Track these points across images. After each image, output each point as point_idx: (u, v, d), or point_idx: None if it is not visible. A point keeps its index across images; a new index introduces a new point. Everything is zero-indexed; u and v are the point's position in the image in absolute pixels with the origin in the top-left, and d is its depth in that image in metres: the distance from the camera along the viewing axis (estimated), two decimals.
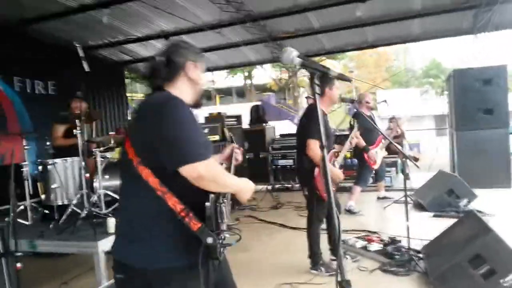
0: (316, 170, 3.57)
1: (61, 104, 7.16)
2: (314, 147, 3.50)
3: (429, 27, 8.80)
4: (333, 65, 26.88)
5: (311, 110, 3.71)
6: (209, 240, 1.51)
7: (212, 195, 1.57)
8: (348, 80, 1.81)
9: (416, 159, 7.98)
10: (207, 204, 1.54)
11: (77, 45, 3.93)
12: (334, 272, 3.62)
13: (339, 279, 1.40)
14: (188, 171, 1.48)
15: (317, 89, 1.51)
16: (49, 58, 7.91)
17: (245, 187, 1.72)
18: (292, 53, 1.53)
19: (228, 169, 2.11)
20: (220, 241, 1.57)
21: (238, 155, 2.18)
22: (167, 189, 1.52)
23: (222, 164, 2.14)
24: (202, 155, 1.51)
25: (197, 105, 1.82)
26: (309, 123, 3.62)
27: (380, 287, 3.38)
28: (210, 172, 1.51)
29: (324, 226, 3.83)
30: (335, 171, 3.60)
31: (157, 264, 1.54)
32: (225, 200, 1.70)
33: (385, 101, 6.39)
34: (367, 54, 31.20)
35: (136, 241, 1.58)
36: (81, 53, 3.91)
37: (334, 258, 3.94)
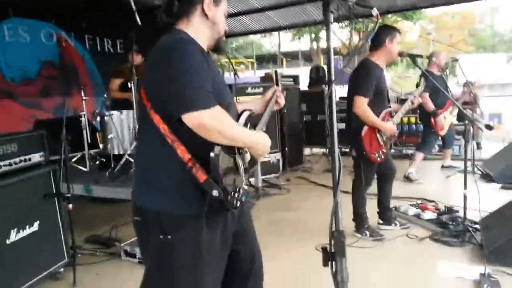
0: (364, 128, 3.36)
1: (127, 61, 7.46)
2: (361, 104, 3.28)
3: None
4: (409, 27, 25.12)
5: (363, 65, 3.44)
6: (214, 192, 1.44)
7: (217, 146, 1.46)
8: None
9: (490, 128, 7.30)
10: (212, 155, 1.45)
11: None
12: (380, 237, 3.52)
13: (332, 228, 1.28)
14: (189, 119, 1.40)
15: (331, 18, 1.33)
16: (118, 17, 8.17)
17: (257, 141, 1.59)
18: None
19: (261, 114, 1.94)
20: (232, 193, 1.50)
21: (280, 99, 1.97)
22: (176, 137, 1.48)
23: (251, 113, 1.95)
24: (206, 103, 1.41)
25: (217, 48, 1.70)
26: (358, 78, 3.38)
27: (428, 256, 3.16)
28: (214, 122, 1.41)
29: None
30: (386, 125, 3.38)
31: (169, 209, 1.53)
32: (243, 152, 1.61)
33: (456, 60, 5.80)
34: (449, 15, 28.67)
35: (150, 186, 1.57)
36: (133, 6, 3.93)
37: (382, 222, 3.77)
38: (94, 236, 3.81)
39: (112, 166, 4.34)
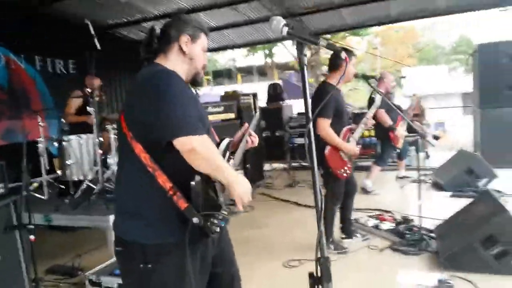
0: (327, 148, 3.51)
1: (81, 83, 7.28)
2: (323, 127, 3.44)
3: (455, 0, 8.42)
4: (357, 42, 26.23)
5: (322, 88, 3.62)
6: (195, 220, 1.49)
7: (197, 175, 1.51)
8: (350, 52, 1.73)
9: (437, 138, 7.79)
10: (192, 183, 1.50)
11: (87, 22, 3.93)
12: (343, 249, 3.66)
13: (318, 255, 1.36)
14: (182, 143, 1.45)
15: (305, 60, 1.44)
16: (70, 38, 7.99)
17: (238, 180, 1.57)
18: (280, 23, 1.46)
19: (233, 153, 1.94)
20: (212, 220, 1.54)
21: (254, 138, 1.98)
22: (157, 166, 1.51)
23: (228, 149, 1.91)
24: (198, 129, 1.49)
25: (195, 82, 1.77)
26: (319, 101, 3.54)
27: (389, 266, 3.33)
28: (204, 149, 1.47)
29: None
30: (348, 146, 3.53)
31: (151, 239, 1.55)
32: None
33: (404, 77, 6.18)
34: (392, 30, 30.22)
35: (131, 215, 1.60)
36: (92, 31, 3.92)
37: (344, 236, 3.93)
38: (56, 266, 3.69)
39: (72, 193, 4.24)
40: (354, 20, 9.60)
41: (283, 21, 1.46)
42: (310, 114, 1.48)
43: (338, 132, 3.54)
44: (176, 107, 1.48)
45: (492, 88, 6.72)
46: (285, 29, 1.47)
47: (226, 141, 1.82)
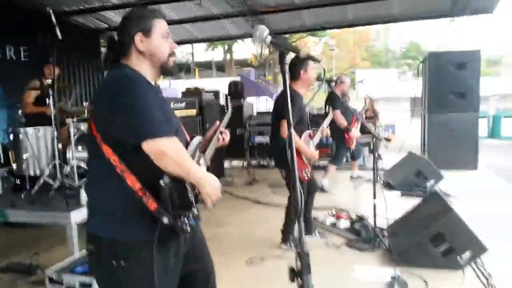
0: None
1: (33, 71, 6.95)
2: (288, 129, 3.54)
3: (409, 9, 8.89)
4: (314, 41, 26.84)
5: (289, 92, 3.72)
6: (165, 220, 1.52)
7: (166, 175, 1.52)
8: (317, 60, 1.85)
9: (388, 140, 8.21)
10: (161, 183, 1.51)
11: (50, 11, 3.79)
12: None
13: (298, 250, 1.45)
14: (150, 146, 1.47)
15: (287, 68, 1.54)
16: (22, 23, 7.61)
17: (207, 179, 1.60)
18: (264, 32, 1.54)
19: (204, 151, 1.95)
20: (183, 219, 1.58)
21: (226, 136, 2.03)
22: (126, 167, 1.53)
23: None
24: (166, 132, 1.51)
25: (164, 72, 1.76)
26: (284, 104, 3.65)
27: (345, 263, 3.52)
28: (172, 151, 1.50)
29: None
30: (309, 151, 3.66)
31: (121, 235, 1.58)
32: None
33: (361, 81, 6.47)
34: (348, 32, 31.20)
35: (103, 214, 1.62)
36: (54, 20, 3.78)
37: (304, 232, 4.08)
38: (12, 264, 3.55)
39: (28, 187, 4.09)
40: (312, 22, 9.87)
41: (267, 30, 1.53)
42: (291, 120, 1.56)
43: (299, 136, 3.67)
44: (141, 111, 1.50)
45: (439, 94, 7.20)
46: (269, 38, 1.55)
47: (196, 139, 1.81)
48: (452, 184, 5.75)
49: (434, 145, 7.27)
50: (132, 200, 1.53)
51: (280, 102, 3.73)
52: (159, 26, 1.69)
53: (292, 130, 1.56)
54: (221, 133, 2.00)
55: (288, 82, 1.59)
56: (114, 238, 1.58)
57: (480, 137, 7.50)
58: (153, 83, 1.73)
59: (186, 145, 1.75)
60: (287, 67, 1.55)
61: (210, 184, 1.60)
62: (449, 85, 7.07)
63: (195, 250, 1.86)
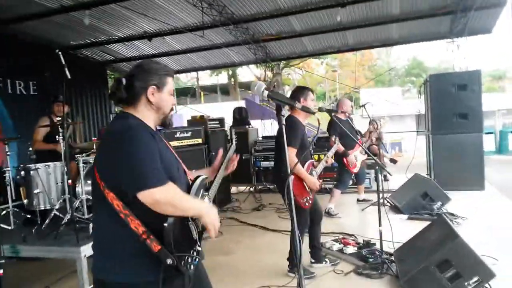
0: (291, 177, 3.67)
1: (42, 104, 7.15)
2: (291, 156, 3.61)
3: (408, 32, 9.05)
4: (317, 64, 27.15)
5: (289, 120, 3.80)
6: (169, 261, 1.60)
7: (170, 218, 1.63)
8: (312, 113, 1.95)
9: (394, 162, 8.22)
10: (165, 225, 1.61)
11: (59, 52, 3.94)
12: (311, 275, 3.82)
13: None
14: (144, 196, 1.57)
15: (283, 120, 1.65)
16: (30, 58, 7.86)
17: (206, 211, 1.75)
18: (261, 87, 1.67)
19: (213, 179, 2.13)
20: (186, 258, 1.69)
21: (233, 164, 2.20)
22: (129, 212, 1.62)
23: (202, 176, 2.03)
24: (158, 180, 1.60)
25: (163, 124, 1.89)
26: (289, 130, 3.72)
27: None
28: (167, 197, 1.60)
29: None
30: (311, 179, 3.70)
31: (128, 278, 1.67)
32: (196, 218, 1.78)
33: (365, 104, 6.55)
34: (350, 53, 31.53)
35: (108, 258, 1.71)
36: (63, 61, 3.92)
37: (314, 261, 4.09)
38: None
39: (39, 222, 4.17)
40: (314, 47, 10.07)
41: (264, 85, 1.67)
42: (287, 157, 1.65)
43: (301, 164, 3.74)
44: (138, 163, 1.61)
45: (442, 116, 7.24)
46: (266, 92, 1.68)
47: (200, 179, 1.91)
48: (459, 206, 5.74)
49: (439, 166, 7.28)
50: (136, 243, 1.62)
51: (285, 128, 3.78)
52: (169, 84, 1.84)
53: (288, 164, 1.66)
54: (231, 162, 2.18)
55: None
56: (121, 282, 1.66)
57: (488, 153, 7.50)
58: (154, 128, 1.85)
59: (185, 179, 1.88)
60: (283, 118, 1.66)
61: (210, 215, 1.75)
62: (451, 106, 7.12)
63: (200, 282, 1.96)
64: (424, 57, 36.81)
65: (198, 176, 1.94)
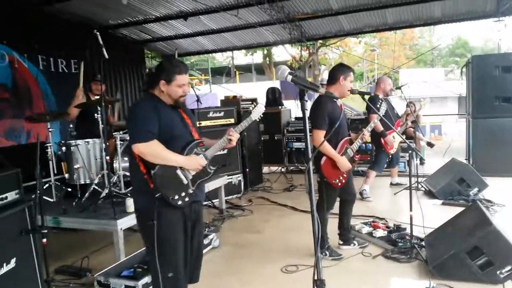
0: (323, 158, 3.67)
1: (83, 82, 7.39)
2: (318, 138, 3.60)
3: (452, 10, 8.61)
4: (355, 42, 26.40)
5: (317, 100, 3.76)
6: (158, 195, 2.35)
7: (158, 166, 2.34)
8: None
9: (431, 145, 7.98)
10: (152, 172, 2.33)
11: (96, 32, 4.07)
12: (338, 256, 3.84)
13: (315, 277, 1.53)
14: (134, 148, 2.35)
15: (306, 105, 1.66)
16: (72, 37, 8.11)
17: (183, 161, 2.43)
18: (285, 72, 1.68)
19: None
20: (173, 196, 2.41)
21: (233, 140, 2.63)
22: (139, 159, 2.39)
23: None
24: (144, 137, 2.32)
25: (176, 106, 2.53)
26: (313, 113, 3.70)
27: (381, 273, 3.52)
28: (149, 151, 2.33)
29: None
30: (341, 160, 3.67)
31: (139, 206, 2.55)
32: (183, 168, 2.46)
33: (402, 86, 6.36)
34: (390, 32, 30.45)
35: (136, 191, 2.61)
36: (100, 41, 4.05)
37: (342, 242, 4.10)
38: (64, 267, 3.84)
39: (79, 195, 4.40)
40: (351, 26, 9.78)
41: (288, 70, 1.69)
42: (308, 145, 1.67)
43: (334, 143, 3.71)
44: (133, 125, 2.41)
45: (484, 99, 6.94)
46: (290, 77, 1.68)
47: (194, 142, 2.54)
48: (498, 192, 5.55)
49: (479, 151, 7.01)
50: (144, 181, 2.40)
51: (312, 110, 3.76)
52: (179, 79, 2.46)
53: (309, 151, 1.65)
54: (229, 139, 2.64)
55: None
56: (138, 208, 2.57)
57: None
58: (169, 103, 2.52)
59: (187, 144, 2.51)
60: (306, 104, 1.66)
61: (190, 162, 2.45)
62: (494, 89, 6.79)
63: (195, 231, 2.65)
64: (470, 36, 34.97)
65: (195, 140, 2.57)
